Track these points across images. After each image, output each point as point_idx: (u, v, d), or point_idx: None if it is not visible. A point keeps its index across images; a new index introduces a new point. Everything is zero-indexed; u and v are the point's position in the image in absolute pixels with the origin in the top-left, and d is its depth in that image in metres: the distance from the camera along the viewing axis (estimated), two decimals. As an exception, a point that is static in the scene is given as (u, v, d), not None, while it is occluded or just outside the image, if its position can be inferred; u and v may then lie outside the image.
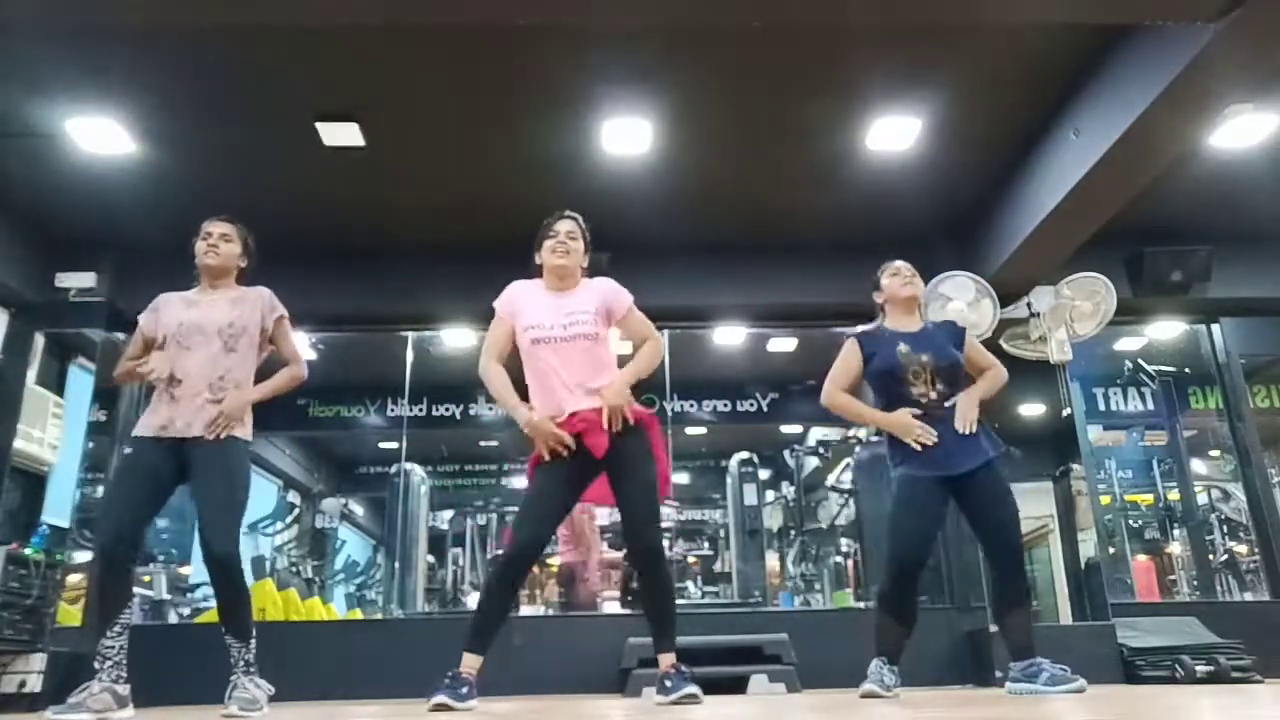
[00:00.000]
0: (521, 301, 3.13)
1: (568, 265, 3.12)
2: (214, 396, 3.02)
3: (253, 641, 3.00)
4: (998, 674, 5.08)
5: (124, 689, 2.87)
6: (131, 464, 3.03)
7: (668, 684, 2.80)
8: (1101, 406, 7.86)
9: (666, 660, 2.87)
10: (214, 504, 2.94)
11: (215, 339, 3.09)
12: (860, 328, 3.66)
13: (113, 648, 2.85)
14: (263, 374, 3.23)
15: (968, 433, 3.27)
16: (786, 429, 9.93)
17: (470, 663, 2.79)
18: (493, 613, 2.89)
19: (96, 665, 2.82)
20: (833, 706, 2.86)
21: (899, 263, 3.62)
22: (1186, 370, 7.53)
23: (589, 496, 3.09)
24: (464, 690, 2.71)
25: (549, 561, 8.43)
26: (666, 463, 3.10)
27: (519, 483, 10.08)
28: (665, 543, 2.92)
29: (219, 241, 3.21)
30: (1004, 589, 3.30)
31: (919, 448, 3.25)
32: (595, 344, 3.05)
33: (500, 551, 2.98)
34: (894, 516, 3.33)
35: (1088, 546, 6.72)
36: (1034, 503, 7.62)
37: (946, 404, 3.32)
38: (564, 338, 3.02)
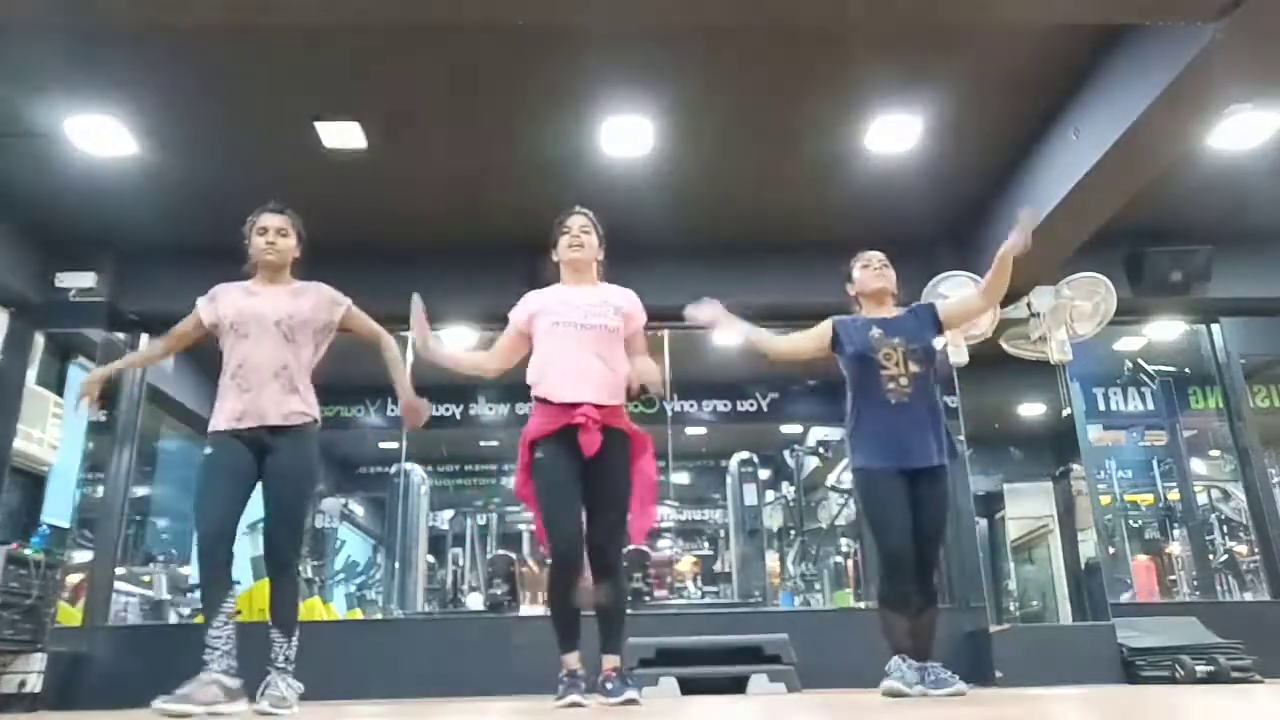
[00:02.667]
0: (537, 303, 3.20)
1: (583, 257, 3.21)
2: (283, 387, 3.03)
3: (296, 640, 2.99)
4: (998, 674, 5.09)
5: (234, 681, 2.82)
6: (214, 462, 3.02)
7: (609, 686, 2.92)
8: (1101, 406, 7.87)
9: (610, 662, 2.99)
10: (283, 508, 2.99)
11: (273, 329, 3.07)
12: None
13: (219, 637, 2.81)
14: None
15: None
16: (786, 429, 9.93)
17: (571, 660, 3.02)
18: (567, 613, 3.06)
19: (205, 657, 2.79)
20: (833, 706, 2.86)
21: (871, 253, 3.58)
22: (1186, 370, 7.54)
23: None
24: (584, 686, 2.96)
25: (549, 562, 8.41)
26: (652, 489, 3.13)
27: (519, 483, 10.03)
28: (623, 561, 3.18)
29: (276, 238, 3.17)
30: (916, 589, 3.27)
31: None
32: (614, 337, 3.11)
33: (548, 554, 3.13)
34: (869, 514, 3.37)
35: (1088, 546, 6.72)
36: (1034, 503, 7.63)
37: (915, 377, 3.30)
38: (584, 324, 3.08)
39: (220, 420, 3.01)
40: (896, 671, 3.17)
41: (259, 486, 3.03)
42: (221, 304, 3.14)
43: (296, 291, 3.19)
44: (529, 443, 3.05)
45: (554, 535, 2.98)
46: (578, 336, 3.06)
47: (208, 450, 3.02)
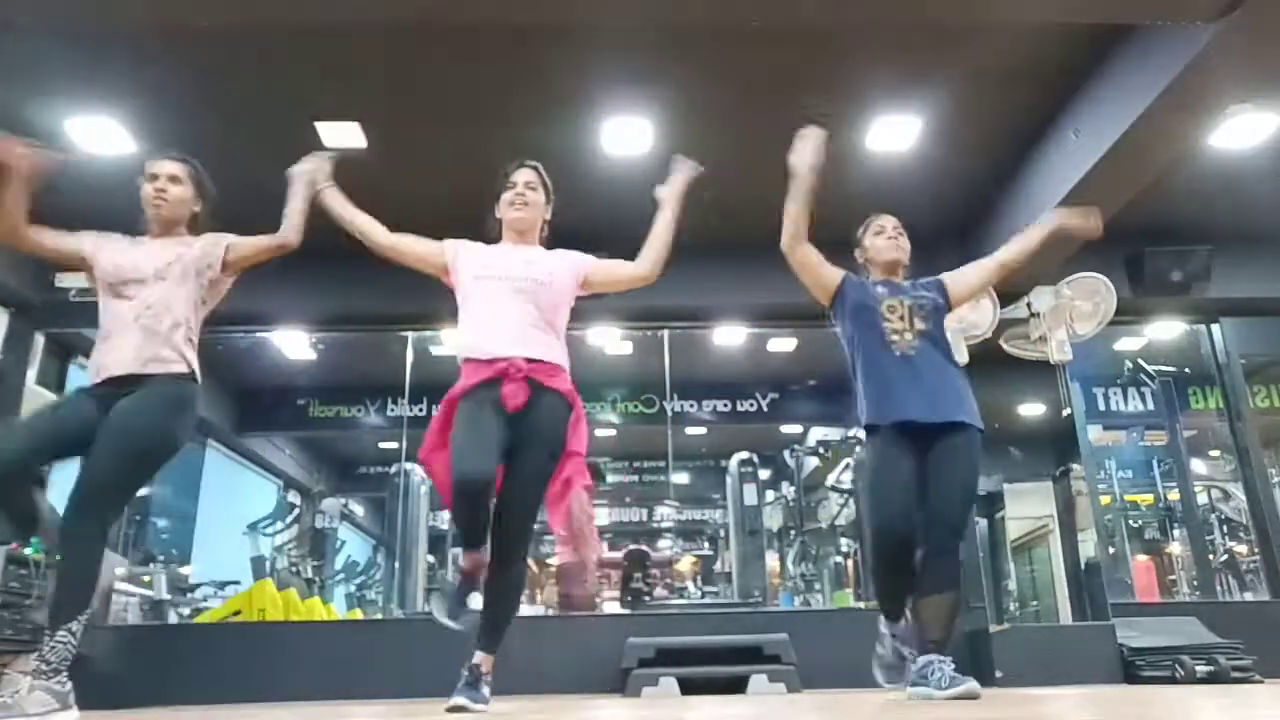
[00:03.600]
0: (470, 250, 2.86)
1: (525, 218, 2.86)
2: (143, 331, 2.64)
3: (66, 635, 2.36)
4: (998, 674, 5.09)
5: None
6: (55, 403, 2.66)
7: (461, 684, 2.54)
8: (1101, 406, 7.88)
9: (485, 660, 2.59)
10: (98, 459, 2.45)
11: (150, 279, 2.71)
12: None
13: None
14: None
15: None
16: (786, 429, 9.93)
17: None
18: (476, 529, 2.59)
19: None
20: (833, 706, 2.86)
21: (885, 218, 3.29)
22: (1186, 370, 7.54)
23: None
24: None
25: (548, 561, 8.44)
26: (580, 456, 2.73)
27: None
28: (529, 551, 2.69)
29: (167, 184, 2.81)
30: (931, 567, 2.86)
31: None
32: (551, 293, 2.75)
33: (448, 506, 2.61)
34: (869, 487, 2.99)
35: (1088, 546, 6.72)
36: (1034, 503, 7.63)
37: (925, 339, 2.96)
38: (515, 277, 2.73)
39: (85, 382, 2.67)
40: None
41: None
42: (105, 250, 2.80)
43: (189, 242, 2.82)
44: (450, 400, 2.64)
45: (458, 470, 2.47)
46: (509, 288, 2.71)
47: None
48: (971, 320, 5.67)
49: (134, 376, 2.60)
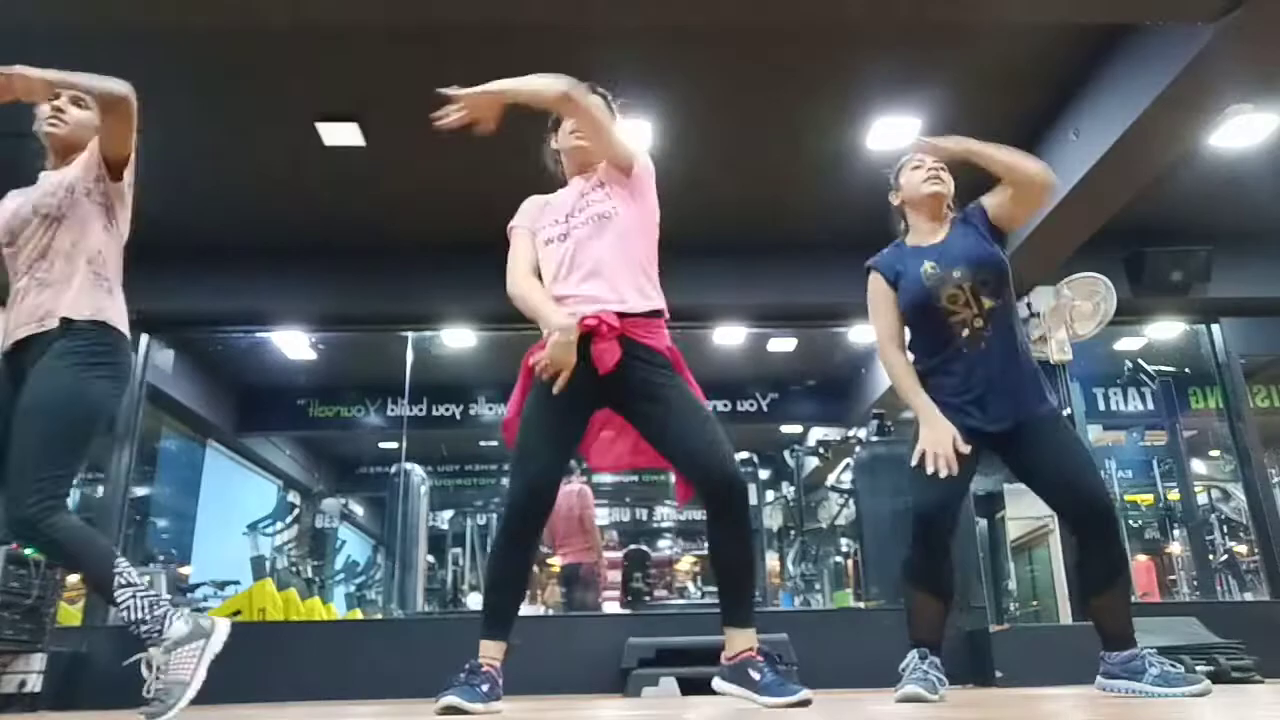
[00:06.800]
0: (537, 209, 2.55)
1: (587, 146, 2.52)
2: (39, 283, 2.23)
3: (124, 594, 2.13)
4: (998, 674, 5.09)
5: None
6: None
7: (755, 676, 2.04)
8: (1101, 406, 7.88)
9: (745, 640, 2.12)
10: (18, 449, 2.10)
11: (34, 220, 2.30)
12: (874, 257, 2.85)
13: None
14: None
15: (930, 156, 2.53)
16: (786, 429, 9.93)
17: (489, 650, 2.19)
18: (505, 583, 2.24)
19: None
20: (833, 706, 2.86)
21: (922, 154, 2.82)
22: (1186, 370, 7.54)
23: (597, 464, 2.47)
24: (484, 687, 2.09)
25: (549, 562, 8.43)
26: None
27: (519, 483, 10.11)
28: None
29: (66, 105, 2.41)
30: (1092, 559, 2.54)
31: (930, 467, 2.51)
32: (617, 223, 2.41)
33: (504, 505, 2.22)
34: (913, 469, 2.59)
35: (1088, 546, 6.71)
36: (1034, 503, 7.63)
37: (987, 332, 2.57)
38: (573, 224, 2.40)
39: None
40: (915, 672, 2.52)
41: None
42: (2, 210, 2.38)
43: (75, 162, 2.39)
44: (525, 365, 2.33)
45: (515, 472, 2.20)
46: (571, 240, 2.37)
47: None
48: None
49: (34, 337, 2.21)
